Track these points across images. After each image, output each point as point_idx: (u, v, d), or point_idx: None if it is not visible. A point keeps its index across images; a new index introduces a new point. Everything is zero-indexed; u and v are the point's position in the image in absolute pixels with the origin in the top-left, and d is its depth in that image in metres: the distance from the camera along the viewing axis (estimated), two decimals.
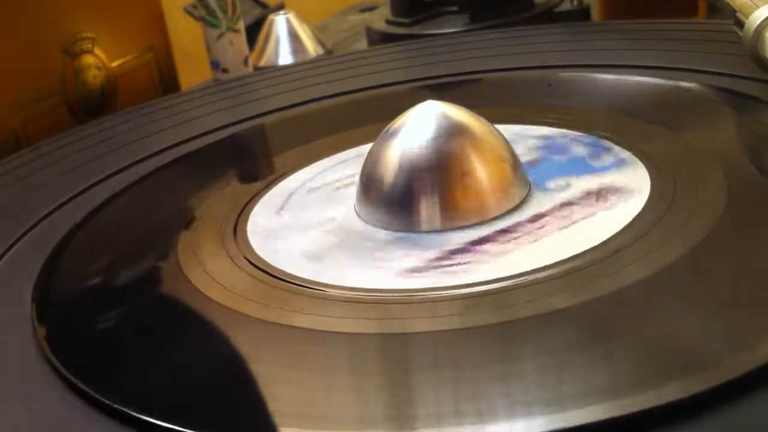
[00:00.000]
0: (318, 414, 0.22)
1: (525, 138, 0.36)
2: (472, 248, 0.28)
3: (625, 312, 0.24)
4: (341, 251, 0.30)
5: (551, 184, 0.31)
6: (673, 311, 0.24)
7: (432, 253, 0.28)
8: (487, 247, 0.28)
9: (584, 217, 0.29)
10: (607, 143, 0.34)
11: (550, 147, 0.35)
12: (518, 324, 0.24)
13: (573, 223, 0.29)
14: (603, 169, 0.32)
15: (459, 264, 0.28)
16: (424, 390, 0.23)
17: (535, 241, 0.28)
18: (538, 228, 0.29)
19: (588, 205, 0.30)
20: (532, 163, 0.33)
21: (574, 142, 0.35)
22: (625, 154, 0.33)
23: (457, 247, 0.29)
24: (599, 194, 0.30)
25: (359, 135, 0.38)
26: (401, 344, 0.25)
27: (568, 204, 0.30)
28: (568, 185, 0.31)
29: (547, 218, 0.29)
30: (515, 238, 0.28)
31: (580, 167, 0.32)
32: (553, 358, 0.23)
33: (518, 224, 0.29)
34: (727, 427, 0.19)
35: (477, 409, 0.21)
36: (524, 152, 0.34)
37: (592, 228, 0.28)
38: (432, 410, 0.22)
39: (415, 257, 0.28)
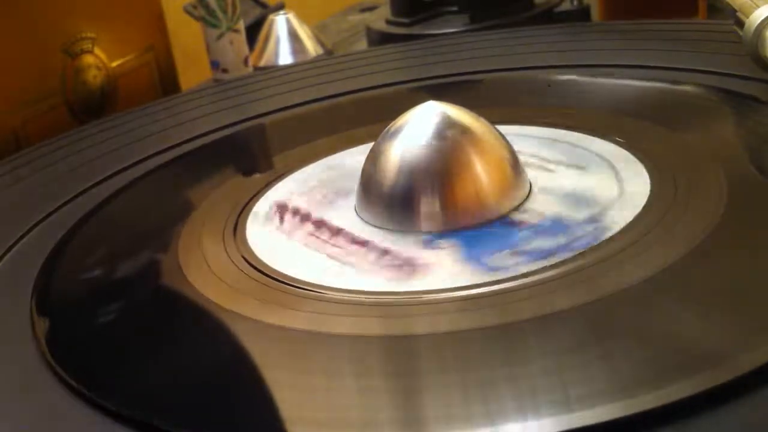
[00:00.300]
0: (318, 416, 0.22)
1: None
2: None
3: (625, 312, 0.24)
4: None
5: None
6: (674, 311, 0.24)
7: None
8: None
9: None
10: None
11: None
12: (520, 325, 0.24)
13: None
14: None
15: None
16: (429, 393, 0.23)
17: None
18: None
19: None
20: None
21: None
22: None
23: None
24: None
25: (359, 135, 0.39)
26: (403, 346, 0.25)
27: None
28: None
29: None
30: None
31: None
32: (557, 360, 0.23)
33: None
34: (727, 427, 0.19)
35: (485, 411, 0.21)
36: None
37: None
38: (440, 413, 0.22)
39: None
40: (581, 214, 0.29)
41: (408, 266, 0.28)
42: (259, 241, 0.31)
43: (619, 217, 0.28)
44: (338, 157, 0.38)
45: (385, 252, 0.29)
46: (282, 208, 0.34)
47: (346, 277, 0.28)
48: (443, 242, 0.29)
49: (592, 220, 0.29)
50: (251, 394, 0.23)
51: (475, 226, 0.29)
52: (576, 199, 0.30)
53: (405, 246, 0.29)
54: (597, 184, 0.31)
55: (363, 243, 0.30)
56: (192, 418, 0.23)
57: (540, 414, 0.20)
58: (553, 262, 0.27)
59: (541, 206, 0.30)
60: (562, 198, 0.31)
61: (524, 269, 0.26)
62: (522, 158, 0.33)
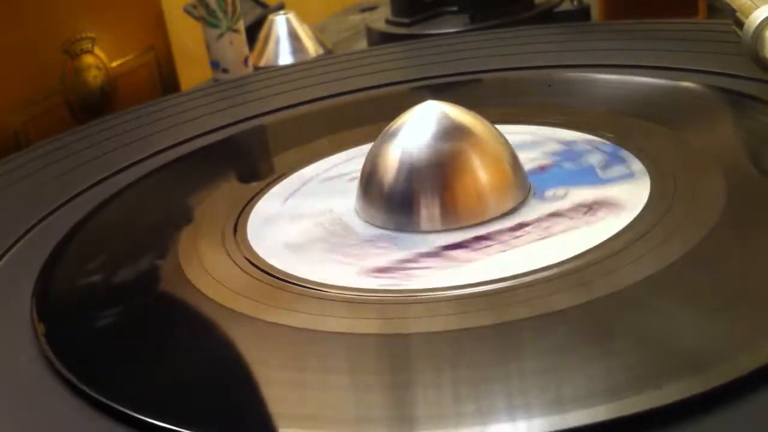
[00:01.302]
0: (317, 414, 0.22)
1: (546, 141, 0.35)
2: (441, 253, 0.28)
3: (625, 312, 0.24)
4: (323, 245, 0.30)
5: (549, 193, 0.31)
6: (673, 312, 0.24)
7: (403, 255, 0.29)
8: (456, 252, 0.28)
9: (563, 231, 0.29)
10: (625, 153, 0.33)
11: (565, 153, 0.34)
12: (517, 325, 0.24)
13: (550, 236, 0.28)
14: (608, 181, 0.31)
15: (421, 268, 0.28)
16: (423, 391, 0.23)
17: (503, 251, 0.28)
18: (514, 238, 0.29)
19: (574, 218, 0.29)
20: (542, 169, 0.33)
21: (593, 150, 0.34)
22: (637, 165, 0.32)
23: (428, 250, 0.29)
24: (591, 207, 0.30)
25: (359, 135, 0.39)
26: (399, 345, 0.25)
27: (555, 215, 0.30)
28: (566, 195, 0.31)
29: (527, 228, 0.29)
30: (487, 246, 0.28)
31: (586, 178, 0.32)
32: (553, 359, 0.23)
33: (497, 232, 0.29)
34: (727, 427, 0.19)
35: (477, 409, 0.21)
36: (538, 156, 0.34)
37: (564, 242, 0.28)
38: (432, 411, 0.22)
39: (385, 257, 0.29)
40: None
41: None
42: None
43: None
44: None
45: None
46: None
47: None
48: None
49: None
50: (250, 392, 0.23)
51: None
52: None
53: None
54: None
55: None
56: (191, 417, 0.23)
57: (537, 414, 0.20)
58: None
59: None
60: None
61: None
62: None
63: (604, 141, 0.34)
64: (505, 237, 0.29)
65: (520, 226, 0.29)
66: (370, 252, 0.29)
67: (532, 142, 0.35)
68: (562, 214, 0.30)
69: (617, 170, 0.32)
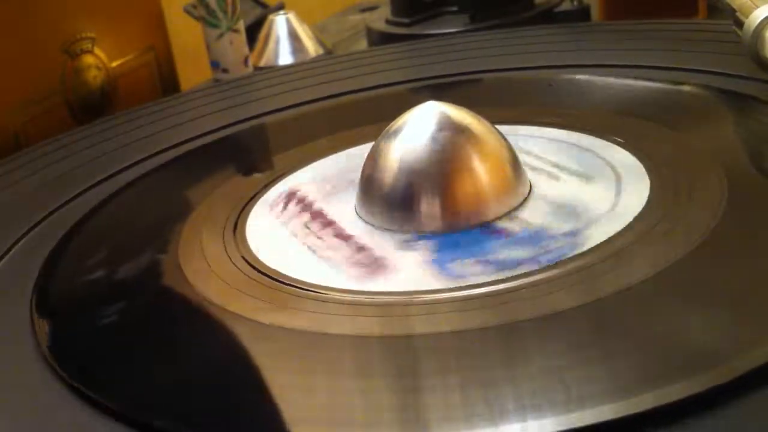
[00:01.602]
0: (320, 416, 0.22)
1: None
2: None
3: (625, 312, 0.24)
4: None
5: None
6: (674, 312, 0.24)
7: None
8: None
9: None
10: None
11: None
12: (521, 325, 0.24)
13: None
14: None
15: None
16: (430, 393, 0.23)
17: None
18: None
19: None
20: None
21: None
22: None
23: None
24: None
25: (359, 135, 0.39)
26: (404, 346, 0.25)
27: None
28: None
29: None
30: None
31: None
32: (557, 360, 0.23)
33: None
34: (727, 427, 0.19)
35: (484, 411, 0.21)
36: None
37: None
38: (441, 413, 0.22)
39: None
40: (564, 226, 0.29)
41: (373, 265, 0.28)
42: (257, 236, 0.32)
43: (602, 231, 0.28)
44: (354, 151, 0.38)
45: (360, 249, 0.29)
46: (290, 196, 0.34)
47: (313, 270, 0.29)
48: (419, 244, 0.29)
49: (571, 234, 0.28)
50: (251, 393, 0.23)
51: (458, 230, 0.29)
52: (568, 208, 0.30)
53: (382, 244, 0.29)
54: (595, 188, 0.31)
55: (346, 238, 0.30)
56: (192, 418, 0.23)
57: (540, 414, 0.20)
58: (514, 274, 0.26)
59: (531, 214, 0.30)
60: (554, 207, 0.31)
61: (484, 279, 0.26)
62: (525, 160, 0.33)
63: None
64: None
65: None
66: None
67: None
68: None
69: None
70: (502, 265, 0.27)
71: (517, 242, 0.28)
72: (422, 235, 0.30)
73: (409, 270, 0.28)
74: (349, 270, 0.28)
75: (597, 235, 0.28)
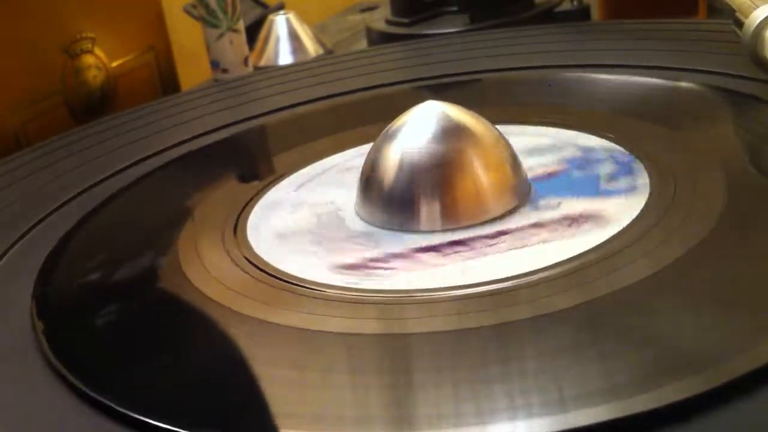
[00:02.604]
0: (317, 414, 0.22)
1: (569, 146, 0.35)
2: (412, 255, 0.29)
3: (625, 312, 0.24)
4: (307, 241, 0.31)
5: (542, 202, 0.31)
6: (673, 311, 0.24)
7: (374, 253, 0.29)
8: (426, 256, 0.28)
9: (540, 242, 0.28)
10: (636, 164, 0.32)
11: (578, 160, 0.34)
12: (517, 325, 0.24)
13: (525, 246, 0.28)
14: (607, 194, 0.31)
15: (384, 269, 0.28)
16: (423, 391, 0.23)
17: (471, 258, 0.28)
18: (490, 245, 0.29)
19: (555, 230, 0.29)
20: (550, 175, 0.33)
21: (608, 159, 0.33)
22: (643, 179, 0.31)
23: (400, 251, 0.29)
24: (576, 220, 0.29)
25: (359, 135, 0.39)
26: (399, 345, 0.25)
27: (537, 225, 0.29)
28: (558, 205, 0.31)
29: (506, 236, 0.29)
30: (458, 252, 0.28)
31: (586, 189, 0.31)
32: (552, 359, 0.23)
33: (475, 238, 0.29)
34: (727, 427, 0.19)
35: (476, 409, 0.21)
36: (551, 161, 0.34)
37: (536, 254, 0.28)
38: (432, 411, 0.22)
39: (359, 254, 0.29)
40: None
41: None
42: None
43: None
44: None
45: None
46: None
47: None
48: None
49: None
50: (251, 393, 0.23)
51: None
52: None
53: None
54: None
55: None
56: (192, 418, 0.23)
57: (535, 414, 0.20)
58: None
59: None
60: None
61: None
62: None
63: (621, 149, 0.34)
64: (479, 245, 0.29)
65: (500, 234, 0.29)
66: (346, 248, 0.30)
67: (550, 146, 0.35)
68: (544, 226, 0.29)
69: (622, 183, 0.31)
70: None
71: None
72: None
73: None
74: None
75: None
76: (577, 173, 0.33)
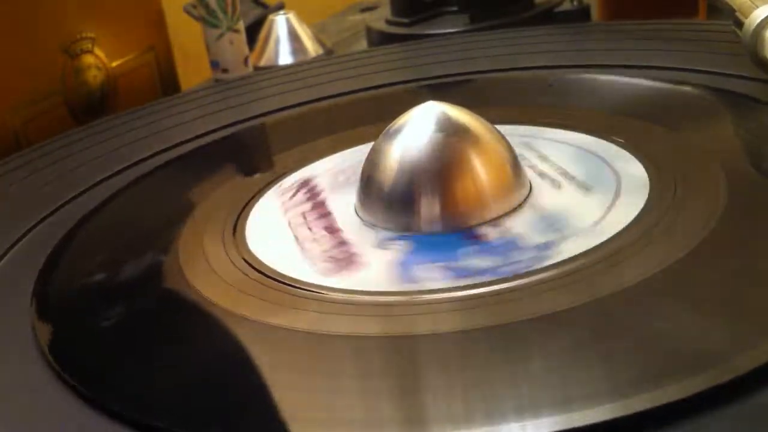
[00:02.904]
0: (321, 416, 0.22)
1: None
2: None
3: (625, 313, 0.24)
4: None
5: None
6: (673, 312, 0.24)
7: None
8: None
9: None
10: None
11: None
12: (520, 326, 0.24)
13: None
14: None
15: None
16: (429, 393, 0.23)
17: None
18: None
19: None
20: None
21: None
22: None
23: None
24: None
25: (359, 135, 0.39)
26: (404, 346, 0.25)
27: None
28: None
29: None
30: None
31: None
32: (556, 360, 0.23)
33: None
34: (727, 427, 0.19)
35: (482, 410, 0.21)
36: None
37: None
38: (441, 412, 0.22)
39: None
40: (542, 237, 0.28)
41: (345, 261, 0.29)
42: (255, 230, 0.32)
43: (578, 245, 0.28)
44: (350, 153, 0.38)
45: (341, 244, 0.30)
46: (303, 184, 0.35)
47: (286, 260, 0.29)
48: (396, 244, 0.29)
49: (544, 247, 0.28)
50: (252, 394, 0.23)
51: (436, 232, 0.30)
52: (552, 219, 0.30)
53: (363, 241, 0.30)
54: (593, 191, 0.31)
55: (333, 231, 0.31)
56: (192, 418, 0.23)
57: (539, 414, 0.20)
58: (471, 282, 0.26)
59: (514, 222, 0.30)
60: (543, 214, 0.31)
61: (437, 285, 0.27)
62: (526, 163, 0.33)
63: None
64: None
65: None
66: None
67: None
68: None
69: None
70: (461, 272, 0.27)
71: (486, 251, 0.28)
72: (401, 236, 0.30)
73: (375, 269, 0.28)
74: (321, 263, 0.29)
75: (569, 249, 0.27)
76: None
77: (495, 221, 0.30)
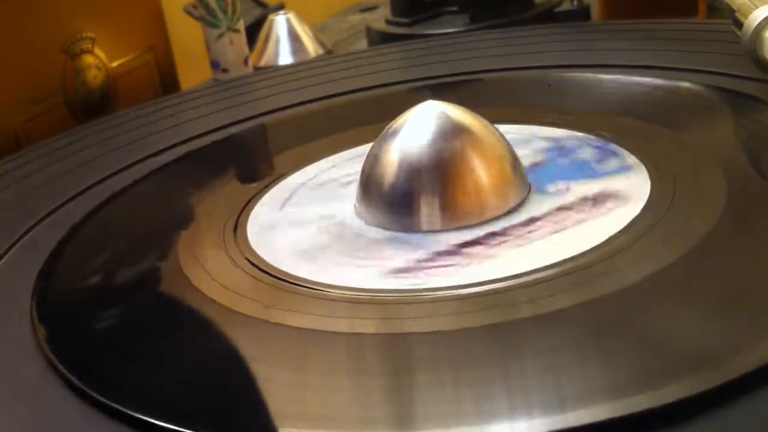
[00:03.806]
0: (318, 414, 0.22)
1: (533, 139, 0.35)
2: (460, 250, 0.28)
3: (625, 312, 0.24)
4: (333, 249, 0.30)
5: (551, 188, 0.31)
6: (673, 311, 0.24)
7: (419, 254, 0.28)
8: (474, 249, 0.28)
9: (576, 223, 0.29)
10: (615, 147, 0.33)
11: (556, 149, 0.34)
12: (518, 324, 0.24)
13: (564, 229, 0.29)
14: (606, 174, 0.32)
15: (443, 266, 0.28)
16: (424, 391, 0.23)
17: (521, 245, 0.28)
18: (529, 232, 0.29)
19: (583, 211, 0.29)
20: (536, 165, 0.33)
21: (583, 145, 0.34)
22: (631, 159, 0.32)
23: (445, 249, 0.29)
24: (596, 200, 0.30)
25: (359, 135, 0.39)
26: (401, 345, 0.25)
27: (563, 209, 0.30)
28: (568, 189, 0.31)
29: (539, 222, 0.29)
30: (504, 242, 0.28)
31: (583, 171, 0.32)
32: (553, 359, 0.23)
33: (511, 227, 0.29)
34: (727, 427, 0.19)
35: (477, 409, 0.21)
36: (529, 153, 0.34)
37: (580, 234, 0.28)
38: (433, 411, 0.22)
39: (402, 258, 0.28)
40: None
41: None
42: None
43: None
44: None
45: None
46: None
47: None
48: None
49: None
50: (251, 392, 0.23)
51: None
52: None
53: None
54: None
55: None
56: (192, 417, 0.23)
57: (536, 413, 0.20)
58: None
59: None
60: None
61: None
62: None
63: (591, 137, 0.35)
64: (519, 231, 0.29)
65: (532, 220, 0.29)
66: (383, 254, 0.29)
67: (520, 140, 0.35)
68: (571, 208, 0.30)
69: (612, 163, 0.32)
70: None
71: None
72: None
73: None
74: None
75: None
76: (561, 160, 0.33)
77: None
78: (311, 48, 0.64)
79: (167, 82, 0.60)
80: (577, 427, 0.20)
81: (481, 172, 0.30)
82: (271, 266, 0.29)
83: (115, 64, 0.56)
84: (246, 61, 0.57)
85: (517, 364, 0.23)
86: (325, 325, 0.26)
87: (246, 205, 0.35)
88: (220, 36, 0.56)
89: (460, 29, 0.57)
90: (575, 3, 0.58)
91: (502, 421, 0.21)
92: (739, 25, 0.37)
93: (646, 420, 0.20)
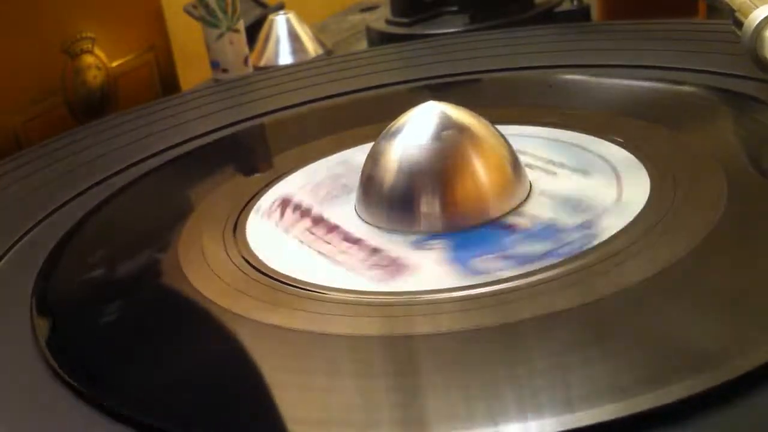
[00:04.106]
0: (319, 415, 0.22)
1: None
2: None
3: (625, 312, 0.24)
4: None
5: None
6: (674, 312, 0.24)
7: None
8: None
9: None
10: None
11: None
12: (521, 325, 0.24)
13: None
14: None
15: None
16: (430, 393, 0.23)
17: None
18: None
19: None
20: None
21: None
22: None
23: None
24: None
25: (359, 135, 0.39)
26: (403, 346, 0.25)
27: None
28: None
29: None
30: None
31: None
32: (557, 360, 0.23)
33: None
34: (727, 427, 0.19)
35: (484, 411, 0.21)
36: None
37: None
38: (442, 413, 0.22)
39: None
40: (574, 219, 0.29)
41: (393, 266, 0.28)
42: (258, 239, 0.31)
43: (612, 224, 0.28)
44: (346, 154, 0.38)
45: (374, 251, 0.29)
46: (285, 203, 0.34)
47: (333, 275, 0.28)
48: (434, 243, 0.29)
49: (584, 226, 0.28)
50: (251, 393, 0.23)
51: (468, 228, 0.29)
52: (573, 203, 0.30)
53: (395, 246, 0.29)
54: (596, 186, 0.31)
55: (355, 241, 0.30)
56: (192, 418, 0.23)
57: (539, 414, 0.20)
58: (537, 267, 0.26)
59: (537, 209, 0.30)
60: (559, 201, 0.31)
61: (507, 273, 0.26)
62: (524, 159, 0.33)
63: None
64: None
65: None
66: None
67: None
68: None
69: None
70: (524, 259, 0.27)
71: (532, 236, 0.28)
72: (433, 235, 0.30)
73: (430, 269, 0.28)
74: (369, 272, 0.28)
75: (610, 226, 0.28)
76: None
77: (515, 212, 0.30)
78: (311, 48, 0.64)
79: (167, 82, 0.60)
80: (582, 427, 0.20)
81: (481, 172, 0.30)
82: (271, 267, 0.29)
83: (115, 64, 0.56)
84: (246, 61, 0.57)
85: (520, 366, 0.23)
86: (326, 326, 0.26)
87: (246, 205, 0.35)
88: (220, 36, 0.56)
89: (460, 29, 0.57)
90: (575, 3, 0.58)
91: (511, 422, 0.21)
92: (739, 25, 0.37)
93: (649, 419, 0.20)
